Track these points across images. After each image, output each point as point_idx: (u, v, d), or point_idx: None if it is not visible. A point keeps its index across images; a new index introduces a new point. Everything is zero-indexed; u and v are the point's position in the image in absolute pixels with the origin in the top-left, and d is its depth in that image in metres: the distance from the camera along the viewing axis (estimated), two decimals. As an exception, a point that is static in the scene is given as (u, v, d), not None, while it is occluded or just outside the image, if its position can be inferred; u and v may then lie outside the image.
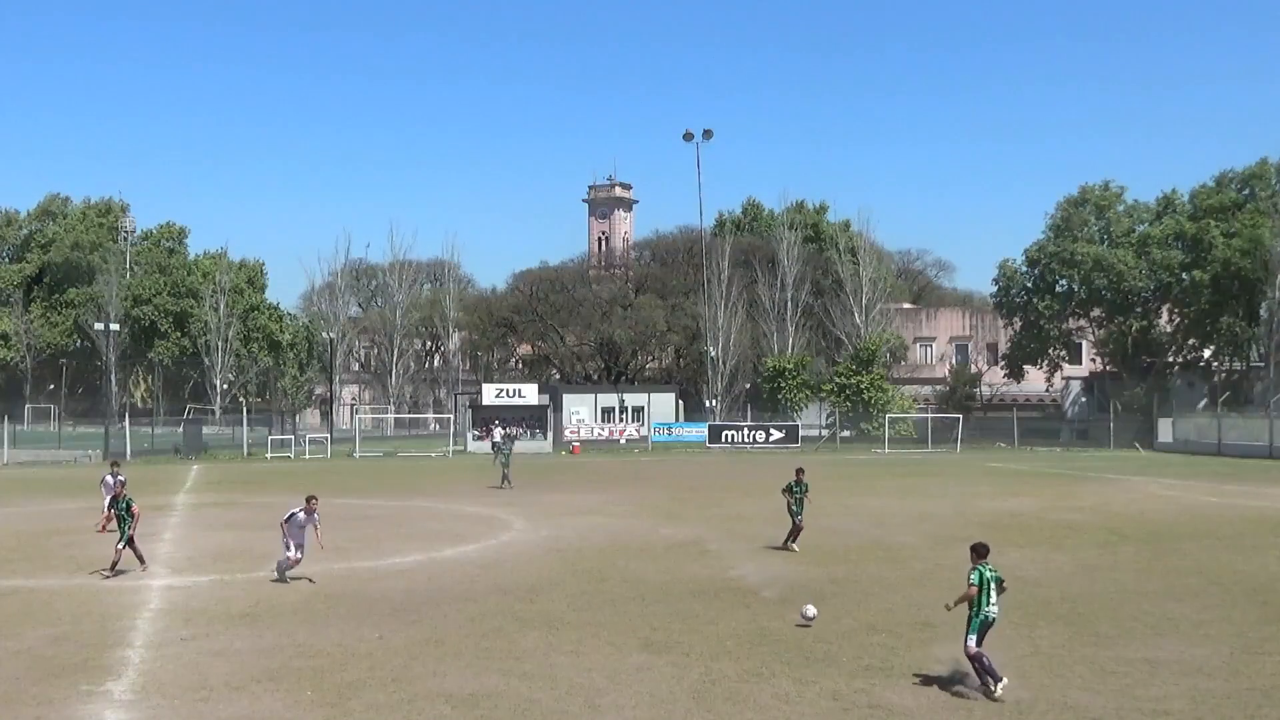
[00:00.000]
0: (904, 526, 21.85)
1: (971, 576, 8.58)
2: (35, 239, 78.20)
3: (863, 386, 56.34)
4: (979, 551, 9.02)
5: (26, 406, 66.09)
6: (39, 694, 8.91)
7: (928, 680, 9.18)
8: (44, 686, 9.17)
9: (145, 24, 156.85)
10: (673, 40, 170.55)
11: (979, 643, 8.60)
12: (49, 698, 8.80)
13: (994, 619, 8.83)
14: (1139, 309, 59.20)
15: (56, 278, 75.07)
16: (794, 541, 17.60)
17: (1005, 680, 8.58)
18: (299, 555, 14.45)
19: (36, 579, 15.75)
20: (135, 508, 15.47)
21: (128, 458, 42.02)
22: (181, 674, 9.67)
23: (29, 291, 74.86)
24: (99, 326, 62.60)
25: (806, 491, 17.86)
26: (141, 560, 15.18)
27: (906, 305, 78.26)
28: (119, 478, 18.95)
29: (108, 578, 14.80)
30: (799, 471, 18.36)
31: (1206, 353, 60.20)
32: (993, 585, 8.85)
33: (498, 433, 44.12)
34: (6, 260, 78.26)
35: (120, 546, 15.05)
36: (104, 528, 17.77)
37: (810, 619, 10.04)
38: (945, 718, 8.23)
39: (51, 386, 72.13)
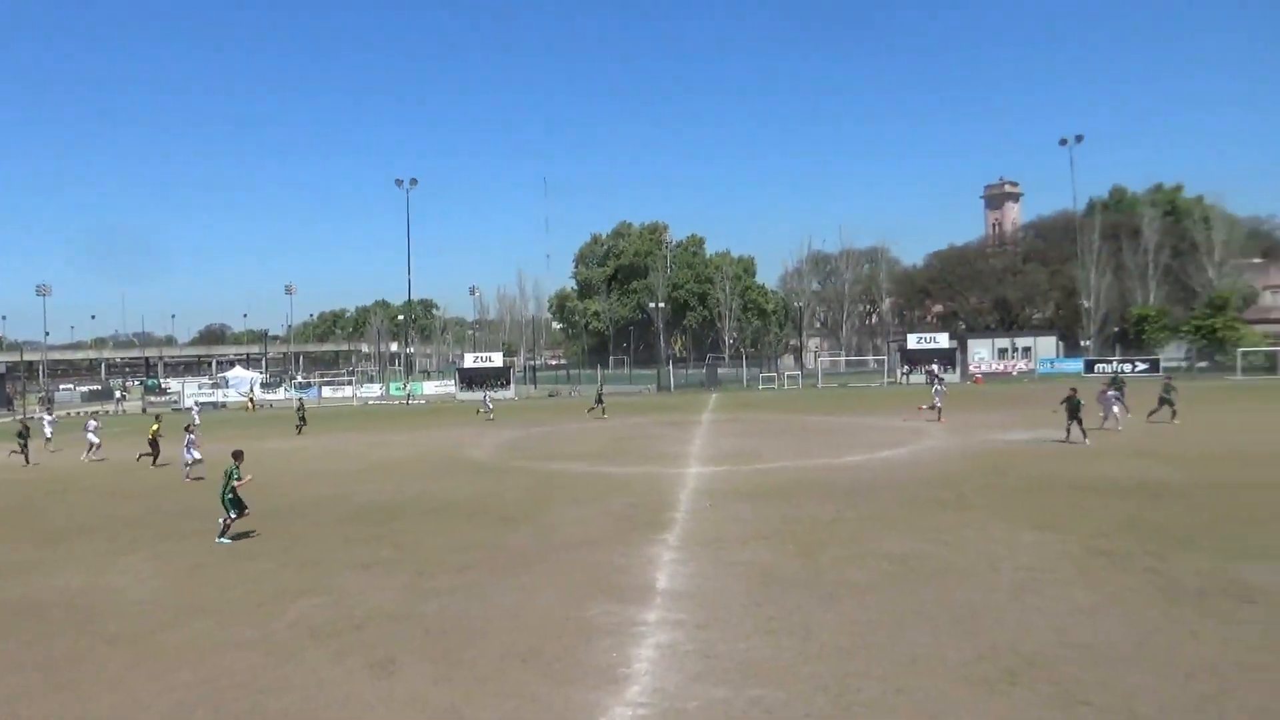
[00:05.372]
0: (1254, 437, 23.45)
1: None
2: (611, 251, 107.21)
3: (1216, 327, 63.26)
4: (235, 456, 14.33)
5: (609, 358, 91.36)
6: (624, 538, 12.96)
7: None
8: (627, 534, 13.24)
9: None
10: (1047, 59, 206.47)
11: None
12: (630, 540, 12.77)
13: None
14: None
15: (625, 275, 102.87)
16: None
17: None
18: None
19: (621, 467, 21.71)
20: None
21: (671, 390, 63.59)
22: (707, 531, 13.24)
23: (609, 285, 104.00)
24: (652, 305, 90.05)
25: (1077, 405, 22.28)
26: None
27: (1256, 260, 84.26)
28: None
29: None
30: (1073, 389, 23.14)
31: None
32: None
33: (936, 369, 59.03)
34: (596, 265, 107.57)
35: None
36: None
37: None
38: None
39: (624, 345, 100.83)
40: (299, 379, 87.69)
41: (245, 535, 14.09)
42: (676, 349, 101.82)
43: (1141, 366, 60.41)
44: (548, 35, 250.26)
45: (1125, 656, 7.63)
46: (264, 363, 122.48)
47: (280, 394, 70.37)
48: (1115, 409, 25.25)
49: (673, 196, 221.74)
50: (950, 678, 7.29)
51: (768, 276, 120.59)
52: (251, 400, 62.90)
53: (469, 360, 70.60)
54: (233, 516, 13.85)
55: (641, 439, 28.91)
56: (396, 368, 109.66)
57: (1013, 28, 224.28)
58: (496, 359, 70.14)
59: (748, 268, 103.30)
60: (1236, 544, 11.47)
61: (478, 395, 60.80)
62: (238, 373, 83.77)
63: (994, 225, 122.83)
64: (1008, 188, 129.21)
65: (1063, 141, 75.87)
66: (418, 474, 21.88)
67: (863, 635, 8.43)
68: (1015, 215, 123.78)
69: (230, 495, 13.89)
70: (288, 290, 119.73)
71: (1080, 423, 22.35)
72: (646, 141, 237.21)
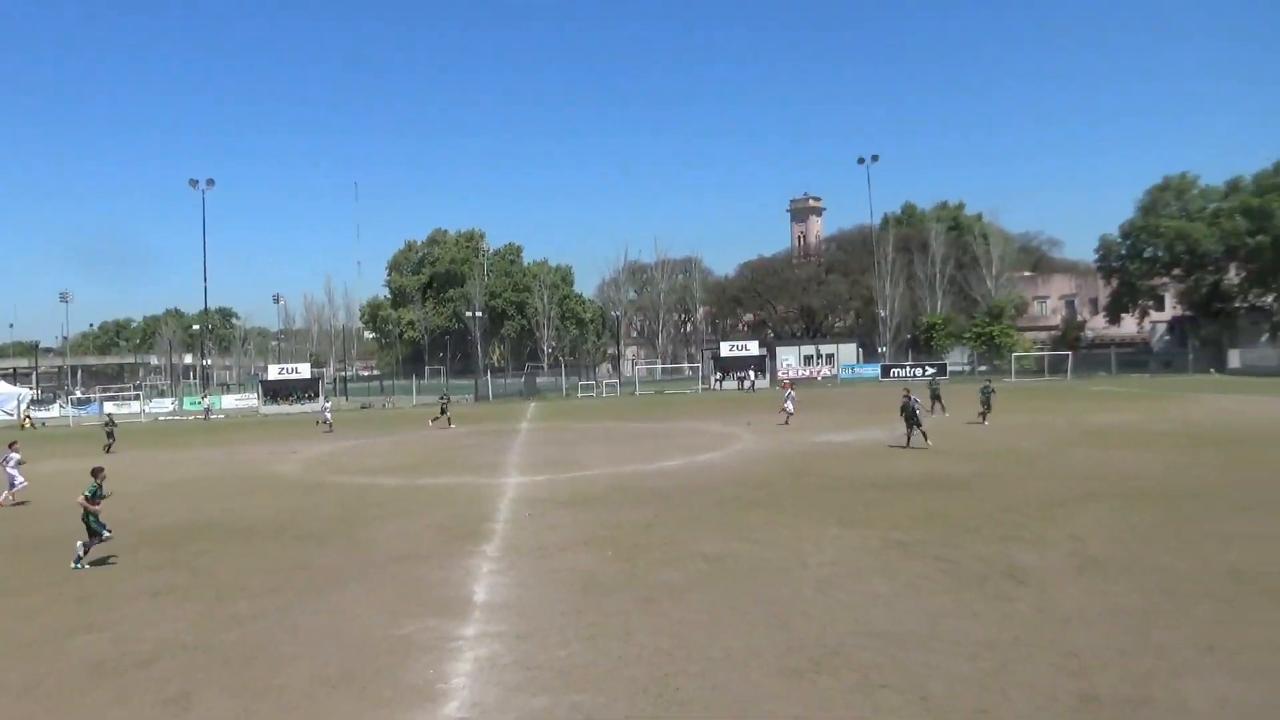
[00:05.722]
0: (1029, 435, 25.63)
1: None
2: (426, 258, 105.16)
3: (994, 334, 69.90)
4: (95, 473, 13.14)
5: (425, 368, 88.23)
6: (442, 551, 12.87)
7: (1052, 547, 11.37)
8: (445, 546, 13.17)
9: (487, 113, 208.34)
10: (845, 79, 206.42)
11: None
12: (448, 553, 12.66)
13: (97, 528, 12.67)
14: (1211, 267, 70.46)
15: (441, 283, 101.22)
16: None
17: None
18: None
19: (438, 478, 21.31)
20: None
21: (489, 399, 63.06)
22: (527, 540, 13.35)
23: (424, 293, 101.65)
24: (469, 314, 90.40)
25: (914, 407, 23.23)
26: None
27: (1026, 273, 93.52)
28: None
29: None
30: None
31: (1269, 298, 70.46)
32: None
33: (751, 373, 64.83)
34: (411, 273, 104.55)
35: None
36: None
37: None
38: (1070, 577, 10.02)
39: (440, 354, 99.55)
40: (77, 394, 79.68)
41: (103, 562, 12.94)
42: (494, 358, 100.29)
43: (931, 370, 65.29)
44: (355, 37, 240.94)
45: (919, 640, 8.19)
46: (34, 377, 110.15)
47: (55, 411, 64.44)
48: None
49: (489, 204, 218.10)
50: (763, 670, 7.59)
51: (585, 286, 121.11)
52: (28, 418, 57.51)
53: (274, 372, 67.16)
54: (107, 534, 12.91)
55: (459, 450, 28.58)
56: (191, 381, 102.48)
57: (813, 48, 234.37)
58: (304, 370, 67.09)
59: (565, 277, 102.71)
60: (1013, 531, 12.58)
61: (285, 409, 59.14)
62: (2, 388, 75.17)
63: (799, 238, 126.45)
64: (811, 202, 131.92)
65: (860, 160, 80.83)
66: (218, 493, 20.58)
67: (681, 635, 8.60)
68: (818, 229, 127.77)
69: (94, 517, 12.87)
70: (63, 298, 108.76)
71: (919, 425, 23.18)
72: (462, 148, 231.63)
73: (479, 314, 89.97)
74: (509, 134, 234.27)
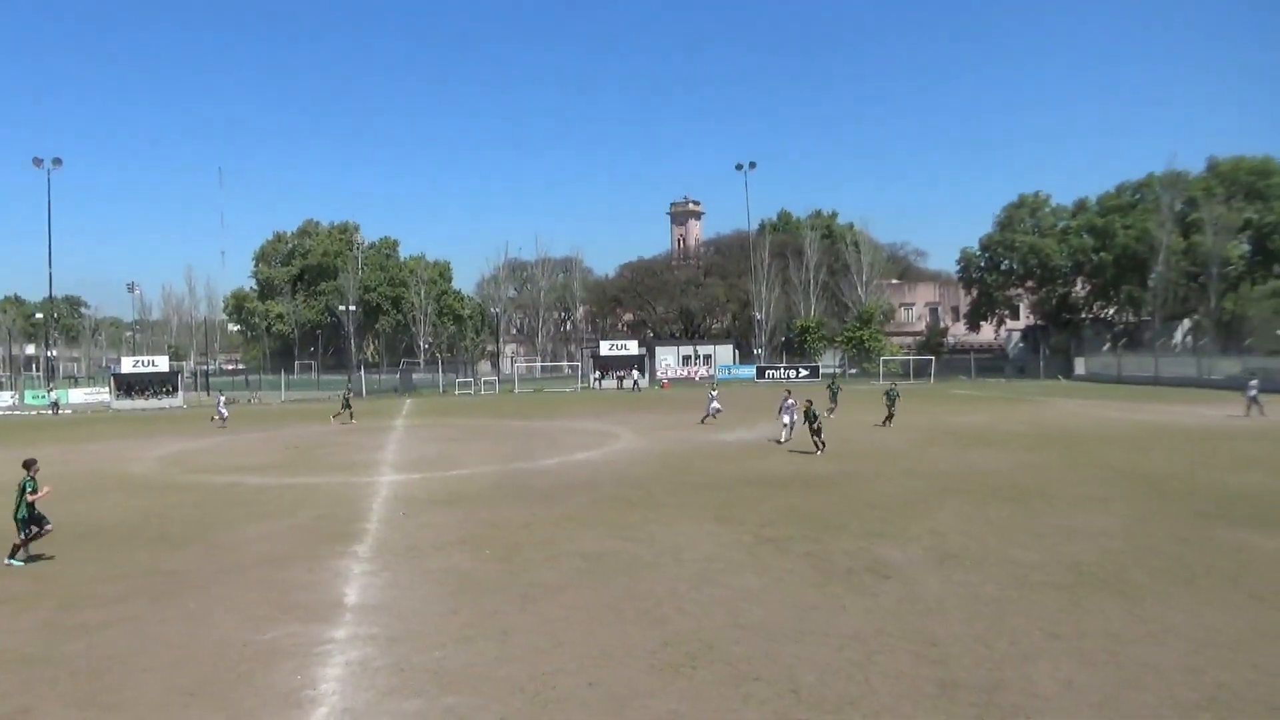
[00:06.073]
0: (894, 434, 26.90)
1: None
2: (297, 250, 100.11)
3: (864, 338, 73.14)
4: (27, 465, 12.57)
5: (295, 363, 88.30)
6: (310, 553, 12.39)
7: (913, 542, 12.11)
8: (313, 548, 12.66)
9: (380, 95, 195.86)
10: (727, 95, 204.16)
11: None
12: (317, 555, 12.24)
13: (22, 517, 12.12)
14: (1060, 280, 76.46)
15: (312, 275, 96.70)
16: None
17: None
18: None
19: (306, 477, 20.66)
20: None
21: (363, 396, 60.75)
22: (402, 540, 13.08)
23: (294, 286, 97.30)
24: (342, 308, 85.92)
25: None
26: None
27: (894, 281, 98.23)
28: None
29: None
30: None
31: (1110, 310, 77.47)
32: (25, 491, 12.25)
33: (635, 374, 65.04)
34: (280, 264, 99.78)
35: None
36: None
37: None
38: (930, 570, 10.59)
39: (311, 349, 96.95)
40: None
41: (39, 558, 12.34)
42: (369, 354, 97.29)
43: (804, 372, 68.70)
44: (219, 15, 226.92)
45: (789, 633, 8.45)
46: None
47: None
48: (788, 418, 26.28)
49: (364, 196, 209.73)
50: (639, 666, 7.68)
51: (465, 282, 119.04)
52: None
53: (128, 364, 62.74)
54: (24, 535, 12.29)
55: (330, 447, 27.69)
56: (34, 373, 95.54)
57: (698, 52, 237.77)
58: (161, 363, 63.15)
59: (444, 272, 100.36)
60: (878, 527, 13.12)
61: (140, 404, 56.53)
62: None
63: (679, 240, 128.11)
64: (691, 206, 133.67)
65: (738, 166, 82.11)
66: (63, 494, 18.85)
67: (558, 633, 8.64)
68: (697, 232, 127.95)
69: (24, 512, 12.29)
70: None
71: (819, 432, 22.65)
72: (335, 137, 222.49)
73: (352, 308, 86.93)
74: (386, 126, 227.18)
